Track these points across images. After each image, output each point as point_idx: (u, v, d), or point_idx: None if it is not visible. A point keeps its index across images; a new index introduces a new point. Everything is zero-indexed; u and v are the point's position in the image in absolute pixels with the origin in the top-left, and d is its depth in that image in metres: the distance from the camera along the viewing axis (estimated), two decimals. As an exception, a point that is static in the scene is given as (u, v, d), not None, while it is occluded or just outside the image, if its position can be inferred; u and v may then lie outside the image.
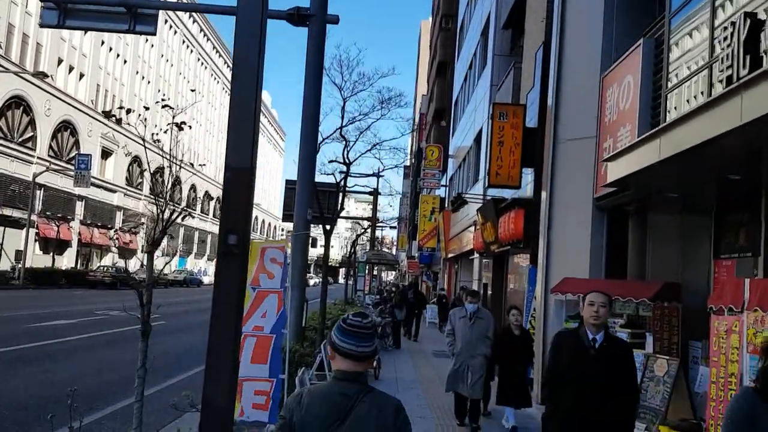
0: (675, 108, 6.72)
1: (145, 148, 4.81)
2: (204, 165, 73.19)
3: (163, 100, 5.85)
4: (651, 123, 7.49)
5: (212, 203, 77.03)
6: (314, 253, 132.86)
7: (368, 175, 26.17)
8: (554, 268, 9.78)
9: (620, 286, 8.17)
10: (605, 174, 8.72)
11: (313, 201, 8.66)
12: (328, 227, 11.94)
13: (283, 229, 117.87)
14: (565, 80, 10.10)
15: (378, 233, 47.90)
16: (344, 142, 12.37)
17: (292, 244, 7.41)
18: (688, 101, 6.37)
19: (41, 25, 9.56)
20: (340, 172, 13.39)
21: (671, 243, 9.00)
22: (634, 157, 6.56)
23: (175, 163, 4.69)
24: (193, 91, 69.58)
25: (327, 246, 12.48)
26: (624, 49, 8.64)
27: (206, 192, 74.80)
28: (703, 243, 7.82)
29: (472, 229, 19.36)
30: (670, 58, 6.83)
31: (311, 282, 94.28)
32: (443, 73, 43.43)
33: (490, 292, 16.08)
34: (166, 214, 4.27)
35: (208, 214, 75.61)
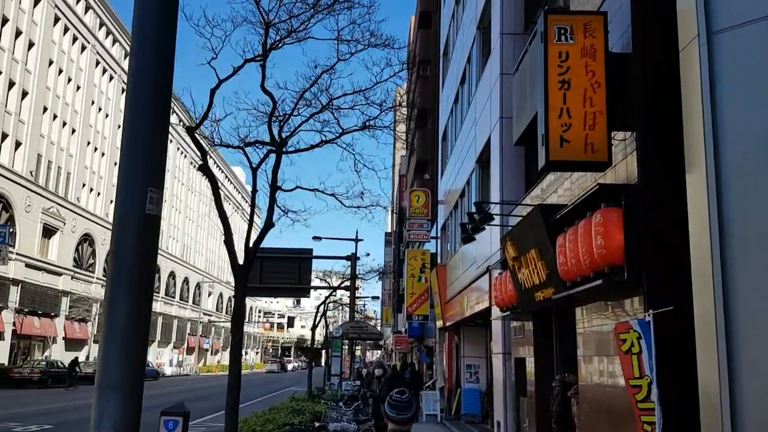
0: None
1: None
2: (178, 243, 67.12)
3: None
4: None
5: (179, 284, 70.41)
6: (295, 333, 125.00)
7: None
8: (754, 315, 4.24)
9: None
10: None
11: (162, 161, 3.09)
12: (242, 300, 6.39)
13: (250, 308, 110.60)
14: None
15: (358, 305, 41.54)
16: (271, 105, 6.72)
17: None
18: None
19: None
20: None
21: None
22: None
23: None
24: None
25: (238, 319, 6.82)
26: None
27: (171, 272, 68.38)
28: None
29: (483, 282, 13.74)
30: None
31: (290, 366, 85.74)
32: (424, 122, 39.19)
33: (533, 377, 9.95)
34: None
35: (174, 297, 68.84)
